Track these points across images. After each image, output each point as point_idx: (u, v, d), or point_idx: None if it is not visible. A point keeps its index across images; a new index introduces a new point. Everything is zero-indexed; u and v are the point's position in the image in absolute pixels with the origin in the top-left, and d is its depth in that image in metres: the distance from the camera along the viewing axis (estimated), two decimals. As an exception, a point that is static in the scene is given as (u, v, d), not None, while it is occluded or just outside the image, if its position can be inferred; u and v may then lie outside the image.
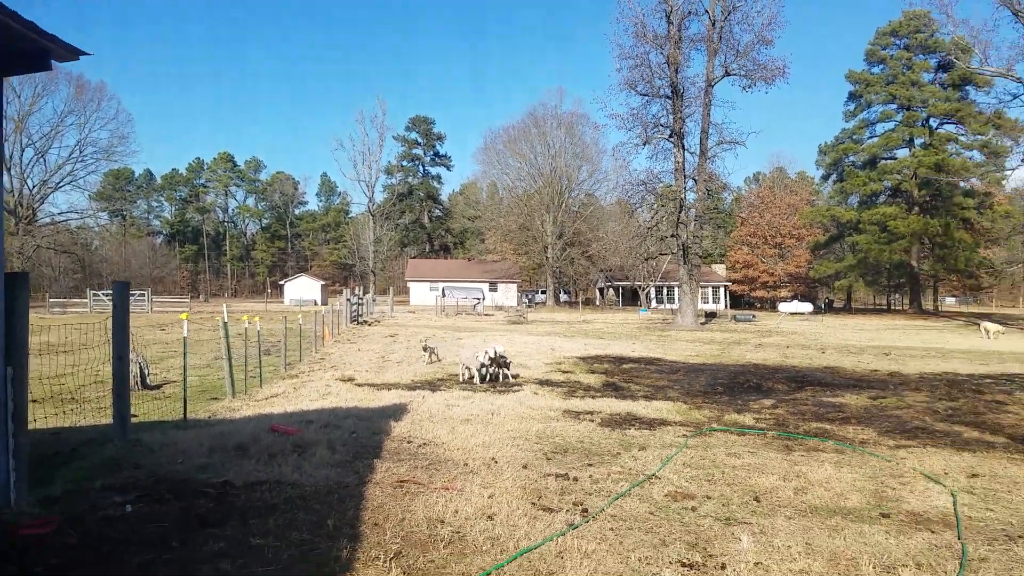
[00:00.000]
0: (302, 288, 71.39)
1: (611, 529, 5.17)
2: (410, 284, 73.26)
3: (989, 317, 49.42)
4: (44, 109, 73.55)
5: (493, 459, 7.25)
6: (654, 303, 70.74)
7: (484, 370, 14.97)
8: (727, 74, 37.40)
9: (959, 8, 75.98)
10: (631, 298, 75.82)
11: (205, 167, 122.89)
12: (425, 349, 19.43)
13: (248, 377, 14.85)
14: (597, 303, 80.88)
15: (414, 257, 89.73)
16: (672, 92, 37.51)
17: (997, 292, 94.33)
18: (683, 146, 37.96)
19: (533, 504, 5.70)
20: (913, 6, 60.18)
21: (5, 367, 5.63)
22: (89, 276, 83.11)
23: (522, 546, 4.67)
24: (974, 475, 7.48)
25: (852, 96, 69.03)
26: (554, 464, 7.27)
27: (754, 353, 24.24)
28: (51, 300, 49.47)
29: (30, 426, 9.06)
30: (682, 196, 37.43)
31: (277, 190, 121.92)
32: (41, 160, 75.41)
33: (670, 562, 4.53)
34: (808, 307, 61.43)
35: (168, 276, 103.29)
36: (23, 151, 73.41)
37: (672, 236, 39.42)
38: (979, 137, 60.28)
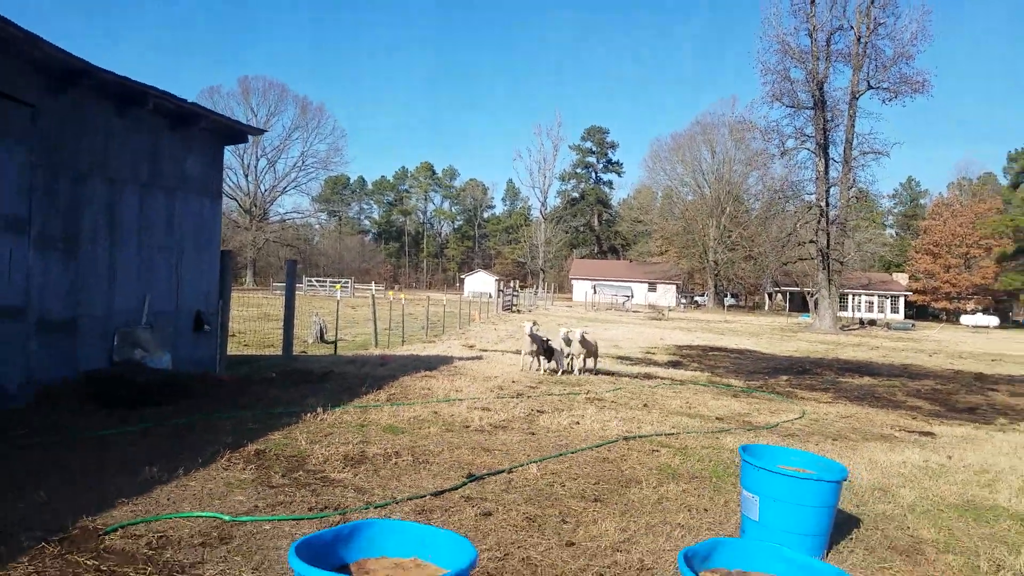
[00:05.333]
0: (480, 282, 79.23)
1: (520, 395, 8.94)
2: (574, 282, 78.26)
3: None
4: (276, 126, 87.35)
5: (495, 376, 11.17)
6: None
7: (535, 355, 12.47)
8: (869, 87, 37.71)
9: None
10: (800, 304, 74.23)
11: (408, 175, 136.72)
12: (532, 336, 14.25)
13: (398, 339, 19.89)
14: (766, 308, 79.94)
15: (581, 257, 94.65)
16: (815, 104, 38.41)
17: None
18: (826, 156, 38.68)
19: (490, 390, 9.59)
20: None
21: (219, 300, 10.55)
22: (308, 267, 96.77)
23: (462, 396, 8.64)
24: (845, 416, 10.12)
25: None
26: (537, 383, 11.01)
27: (860, 353, 25.47)
28: (274, 284, 59.96)
29: (242, 352, 14.43)
30: (823, 204, 38.13)
31: (469, 195, 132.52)
32: (272, 168, 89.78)
33: (529, 411, 8.24)
34: (994, 321, 57.14)
35: (374, 268, 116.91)
36: (258, 160, 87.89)
37: (811, 242, 40.11)
38: None
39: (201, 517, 4.06)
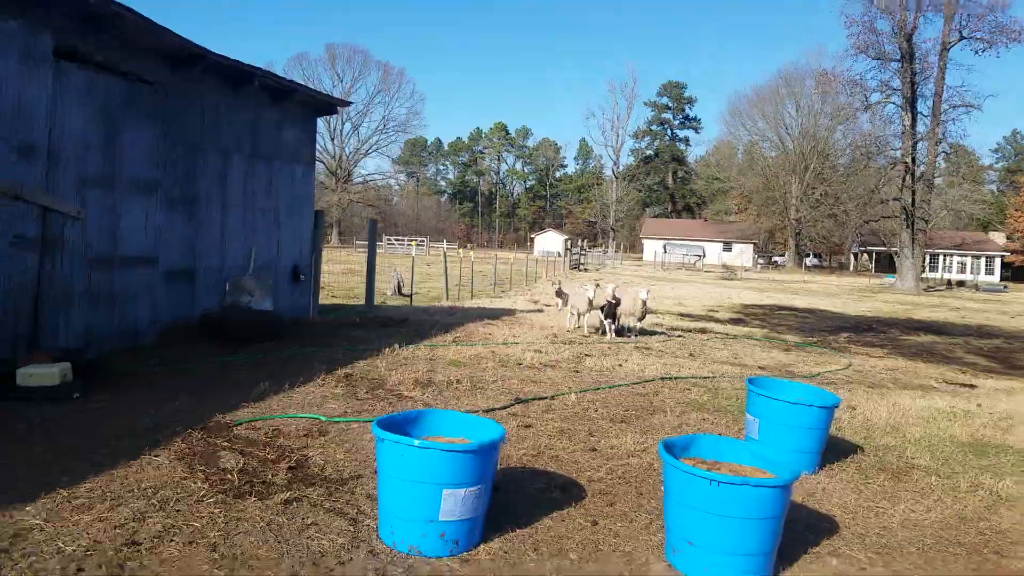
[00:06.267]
0: (549, 242, 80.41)
1: (572, 342, 9.86)
2: (644, 241, 78.03)
3: None
4: (359, 91, 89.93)
5: (551, 327, 12.11)
6: (910, 271, 66.24)
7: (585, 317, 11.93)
8: (962, 38, 35.73)
9: None
10: (888, 264, 71.59)
11: (483, 135, 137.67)
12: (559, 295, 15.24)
13: (468, 294, 21.11)
14: (851, 268, 77.47)
15: (654, 217, 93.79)
16: (902, 57, 36.77)
17: None
18: (913, 110, 37.09)
19: (545, 337, 10.55)
20: None
21: (312, 255, 11.84)
22: (387, 226, 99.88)
23: (518, 340, 9.65)
24: (891, 369, 10.59)
25: None
26: (590, 333, 11.88)
27: (936, 313, 25.03)
28: (356, 242, 62.68)
29: (331, 302, 15.90)
30: (908, 160, 36.74)
31: (541, 155, 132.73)
32: (355, 132, 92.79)
33: (577, 354, 9.15)
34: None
35: (449, 228, 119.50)
36: (343, 125, 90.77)
37: (895, 200, 38.83)
38: None
39: (304, 418, 5.23)
